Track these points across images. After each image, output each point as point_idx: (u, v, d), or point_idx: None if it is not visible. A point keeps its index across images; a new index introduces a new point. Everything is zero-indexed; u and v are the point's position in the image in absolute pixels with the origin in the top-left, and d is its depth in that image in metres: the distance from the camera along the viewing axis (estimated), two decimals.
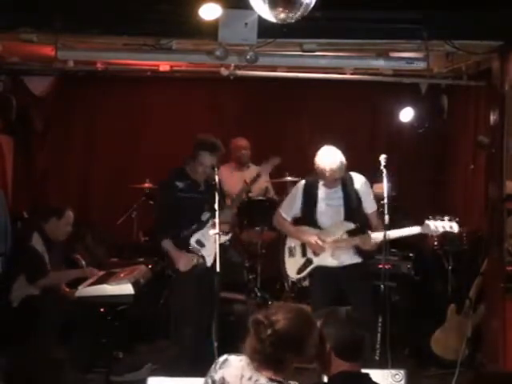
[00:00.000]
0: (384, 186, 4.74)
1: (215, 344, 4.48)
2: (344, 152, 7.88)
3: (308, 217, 5.08)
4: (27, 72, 7.01)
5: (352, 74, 6.73)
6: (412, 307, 6.18)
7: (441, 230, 4.68)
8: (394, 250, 6.14)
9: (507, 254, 5.35)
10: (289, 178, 7.12)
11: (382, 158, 4.85)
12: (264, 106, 8.03)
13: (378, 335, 4.59)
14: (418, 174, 7.85)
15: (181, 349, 5.31)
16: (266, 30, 4.91)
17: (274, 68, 6.68)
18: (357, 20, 5.23)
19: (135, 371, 5.32)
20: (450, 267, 6.16)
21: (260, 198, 6.90)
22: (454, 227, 4.68)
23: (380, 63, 6.08)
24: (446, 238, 6.20)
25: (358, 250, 4.97)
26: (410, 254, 6.41)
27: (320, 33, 5.27)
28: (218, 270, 4.51)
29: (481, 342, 5.54)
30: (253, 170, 7.22)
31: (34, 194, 7.61)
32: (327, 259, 4.97)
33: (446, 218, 4.72)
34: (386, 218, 4.63)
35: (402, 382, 3.39)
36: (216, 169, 4.84)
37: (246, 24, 4.97)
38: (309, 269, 5.08)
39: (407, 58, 5.75)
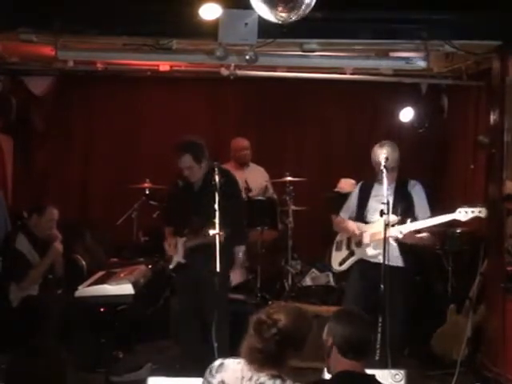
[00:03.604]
0: (384, 186, 4.73)
1: (215, 344, 4.48)
2: (344, 152, 8.05)
3: (359, 213, 5.18)
4: (27, 72, 7.01)
5: (352, 74, 6.72)
6: (412, 307, 6.18)
7: (470, 215, 4.72)
8: None
9: (507, 254, 5.36)
10: (289, 178, 7.11)
11: (382, 157, 4.85)
12: (264, 106, 8.03)
13: (378, 335, 4.58)
14: (418, 174, 7.81)
15: (181, 349, 5.32)
16: (266, 29, 4.91)
17: (273, 68, 6.68)
18: (357, 20, 5.24)
19: (135, 371, 5.31)
20: (450, 267, 6.16)
21: (260, 197, 6.90)
22: (483, 212, 4.73)
23: (380, 63, 6.10)
24: (446, 238, 6.21)
25: (403, 253, 4.97)
26: None
27: (320, 33, 5.27)
28: (218, 270, 4.50)
29: (481, 342, 5.54)
30: (253, 169, 7.24)
31: (34, 193, 7.61)
32: (368, 250, 5.00)
33: (477, 205, 4.78)
34: (386, 217, 4.62)
35: (402, 382, 3.40)
36: (216, 169, 4.82)
37: (246, 24, 4.97)
38: (350, 260, 5.17)
39: (407, 57, 5.76)
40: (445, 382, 5.24)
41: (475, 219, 6.51)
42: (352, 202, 5.28)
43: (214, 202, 4.59)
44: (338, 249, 5.34)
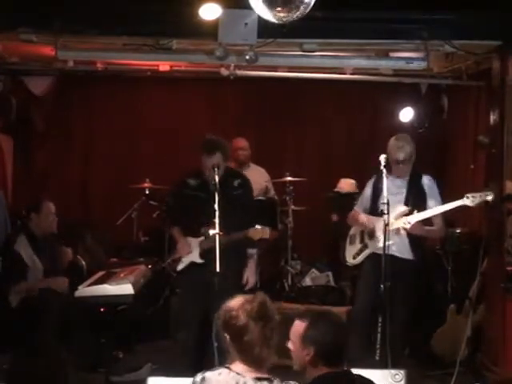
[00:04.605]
0: (384, 186, 4.73)
1: (215, 344, 4.46)
2: (344, 152, 8.05)
3: (373, 206, 5.14)
4: (27, 72, 7.02)
5: (352, 74, 6.73)
6: (412, 307, 6.17)
7: (478, 200, 4.74)
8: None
9: (507, 254, 5.36)
10: (289, 178, 7.11)
11: (382, 157, 4.85)
12: (264, 105, 8.04)
13: (378, 335, 4.58)
14: None
15: (181, 349, 5.31)
16: (266, 30, 4.91)
17: (274, 68, 6.69)
18: (357, 20, 5.24)
19: (135, 371, 5.31)
20: (449, 267, 6.16)
21: (260, 197, 6.89)
22: (490, 196, 4.77)
23: (380, 63, 6.10)
24: (446, 238, 6.21)
25: (413, 246, 4.96)
26: None
27: (320, 33, 5.27)
28: (217, 270, 4.49)
29: (481, 342, 5.53)
30: (253, 170, 7.23)
31: (33, 193, 7.61)
32: (380, 242, 4.91)
33: (484, 190, 4.83)
34: (386, 217, 4.61)
35: (402, 382, 3.39)
36: (216, 169, 4.81)
37: (246, 24, 4.97)
38: (363, 253, 5.13)
39: (407, 57, 5.76)
40: (445, 381, 5.23)
41: (475, 217, 6.57)
42: (366, 195, 5.26)
43: (231, 202, 4.64)
44: (352, 242, 5.31)
